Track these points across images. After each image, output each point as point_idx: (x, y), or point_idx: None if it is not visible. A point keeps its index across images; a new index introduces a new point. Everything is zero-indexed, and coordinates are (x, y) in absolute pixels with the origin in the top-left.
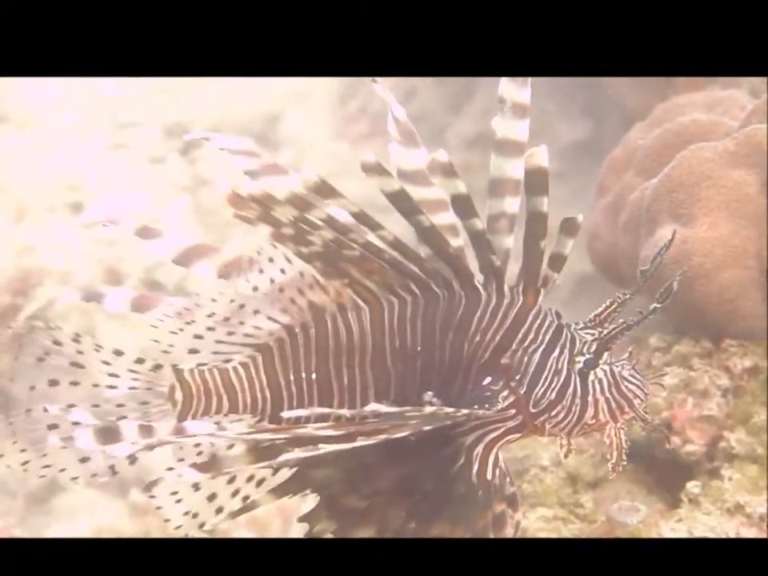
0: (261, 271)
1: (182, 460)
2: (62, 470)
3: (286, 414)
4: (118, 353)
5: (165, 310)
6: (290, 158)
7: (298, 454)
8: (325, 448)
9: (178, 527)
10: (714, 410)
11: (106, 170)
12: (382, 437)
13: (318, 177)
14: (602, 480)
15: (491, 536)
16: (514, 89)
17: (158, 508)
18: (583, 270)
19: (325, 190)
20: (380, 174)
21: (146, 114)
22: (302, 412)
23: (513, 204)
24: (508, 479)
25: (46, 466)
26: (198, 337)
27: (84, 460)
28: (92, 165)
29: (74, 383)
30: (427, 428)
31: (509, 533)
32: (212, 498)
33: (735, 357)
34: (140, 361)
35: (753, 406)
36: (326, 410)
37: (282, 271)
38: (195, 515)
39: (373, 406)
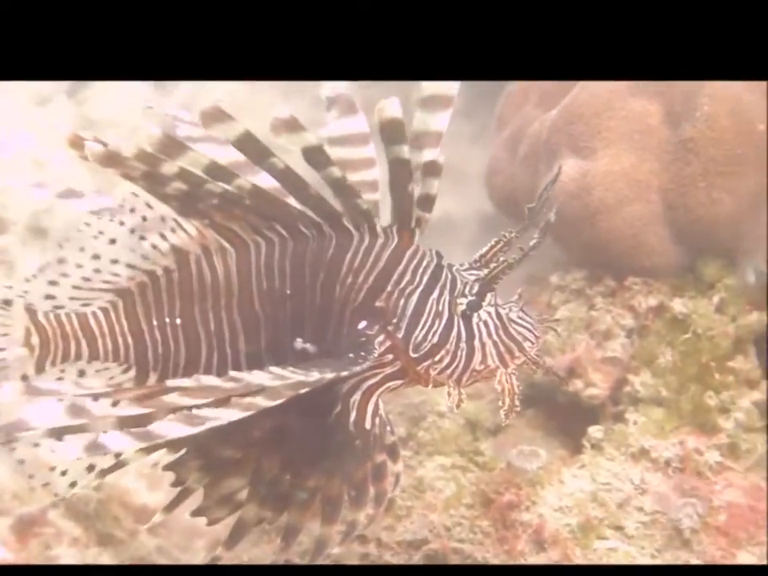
0: (121, 223)
1: None
2: None
3: (170, 383)
4: None
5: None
6: (188, 95)
7: (178, 429)
8: (202, 424)
9: (45, 485)
10: (617, 351)
11: None
12: (260, 402)
13: (162, 134)
14: (502, 426)
15: (371, 488)
16: None
17: (21, 462)
18: (485, 210)
19: (172, 147)
20: (221, 121)
21: None
22: (185, 382)
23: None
24: (389, 428)
25: None
26: (53, 283)
27: None
28: None
29: None
30: (305, 391)
31: (388, 484)
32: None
33: (639, 295)
34: None
35: (658, 346)
36: (211, 380)
37: (144, 219)
38: (64, 473)
39: (256, 377)
